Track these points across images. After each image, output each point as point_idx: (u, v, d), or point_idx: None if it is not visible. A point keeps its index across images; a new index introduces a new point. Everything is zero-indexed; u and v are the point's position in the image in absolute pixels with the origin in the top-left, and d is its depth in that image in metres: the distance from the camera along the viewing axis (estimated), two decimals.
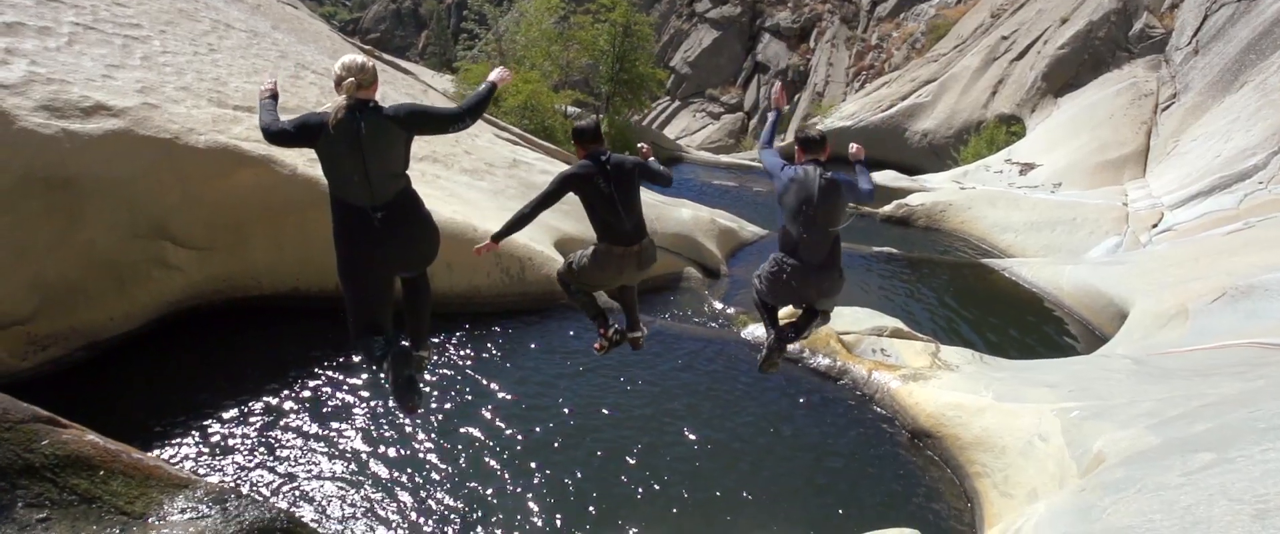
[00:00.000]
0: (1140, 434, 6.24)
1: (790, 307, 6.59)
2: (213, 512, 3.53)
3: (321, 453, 7.60)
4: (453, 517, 6.98)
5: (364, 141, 3.89)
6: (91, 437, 3.52)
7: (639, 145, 5.63)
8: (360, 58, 4.03)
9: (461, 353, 9.81)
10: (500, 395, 8.93)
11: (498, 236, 4.91)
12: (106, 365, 8.36)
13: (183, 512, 3.47)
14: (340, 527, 6.67)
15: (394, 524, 6.80)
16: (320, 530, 6.32)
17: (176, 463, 7.04)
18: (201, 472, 6.98)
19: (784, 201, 5.08)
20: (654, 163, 5.28)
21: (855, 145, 5.47)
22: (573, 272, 5.29)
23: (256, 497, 3.94)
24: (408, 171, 4.27)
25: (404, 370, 4.34)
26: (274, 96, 4.23)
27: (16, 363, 7.81)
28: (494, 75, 4.55)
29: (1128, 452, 5.96)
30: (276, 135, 4.03)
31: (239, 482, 6.97)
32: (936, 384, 9.30)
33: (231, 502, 3.57)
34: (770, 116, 5.62)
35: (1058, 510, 5.07)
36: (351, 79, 3.91)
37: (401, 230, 4.14)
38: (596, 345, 5.80)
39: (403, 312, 4.73)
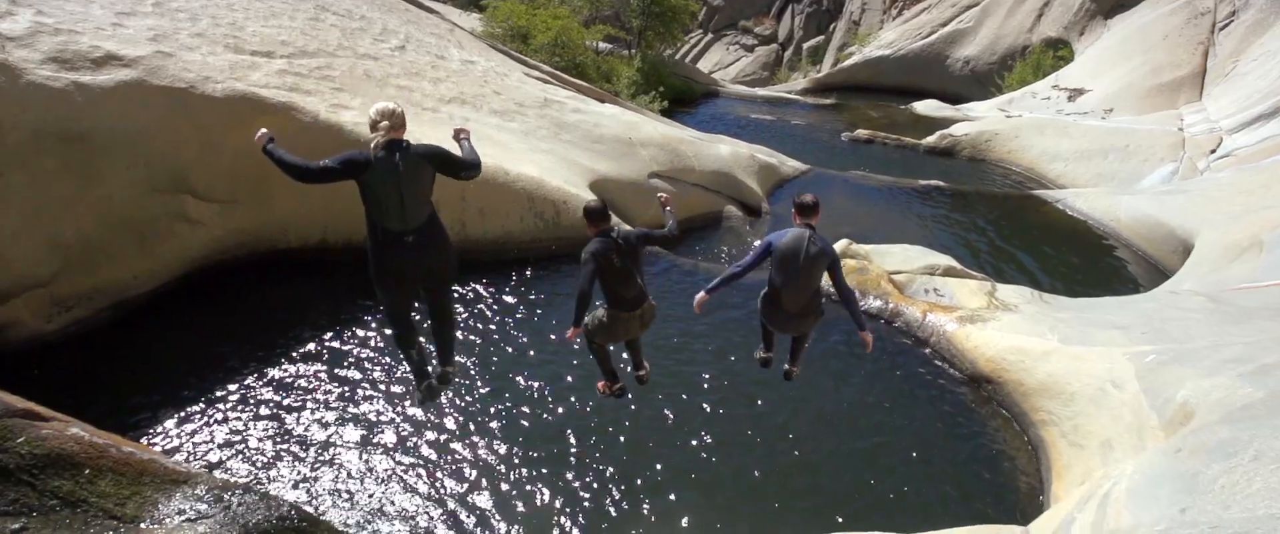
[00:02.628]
0: (1232, 384, 5.73)
1: None
2: (213, 511, 3.20)
3: (344, 420, 7.31)
4: (485, 482, 6.73)
5: (402, 176, 4.48)
6: (75, 430, 3.16)
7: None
8: (390, 104, 4.62)
9: (493, 302, 9.46)
10: (532, 348, 8.62)
11: (577, 324, 5.29)
12: (131, 326, 8.12)
13: (180, 512, 3.14)
14: (360, 504, 6.39)
15: (422, 496, 6.54)
16: (337, 520, 6.05)
17: (191, 439, 6.77)
18: (216, 449, 6.73)
19: (773, 257, 5.47)
20: (668, 221, 5.70)
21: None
22: (588, 331, 5.79)
23: (263, 491, 3.58)
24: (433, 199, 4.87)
25: (432, 400, 5.58)
26: (272, 139, 4.56)
27: (42, 325, 7.60)
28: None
29: (1222, 405, 5.47)
30: (319, 173, 4.38)
31: (254, 459, 6.67)
32: (995, 326, 8.81)
33: (235, 498, 3.24)
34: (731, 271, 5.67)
35: (1153, 475, 4.59)
36: (386, 122, 4.50)
37: (428, 250, 4.76)
38: (600, 385, 6.31)
39: (430, 330, 5.43)
